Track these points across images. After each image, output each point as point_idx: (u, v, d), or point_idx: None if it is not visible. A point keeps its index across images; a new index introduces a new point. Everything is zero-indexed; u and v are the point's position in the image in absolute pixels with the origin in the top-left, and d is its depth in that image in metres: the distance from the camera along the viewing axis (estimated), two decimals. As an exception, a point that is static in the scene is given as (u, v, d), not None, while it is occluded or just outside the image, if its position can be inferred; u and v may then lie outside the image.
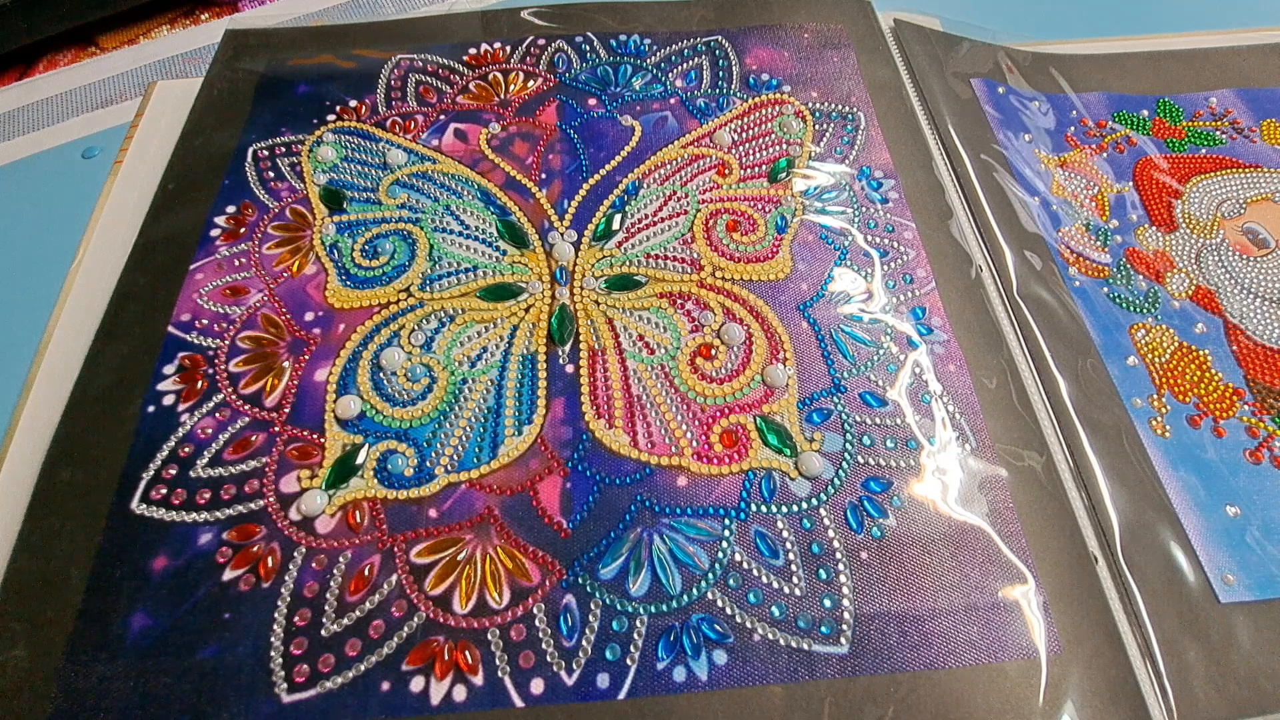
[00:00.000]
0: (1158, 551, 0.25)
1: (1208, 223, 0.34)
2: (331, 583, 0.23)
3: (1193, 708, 0.22)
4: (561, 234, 0.32)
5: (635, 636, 0.23)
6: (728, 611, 0.23)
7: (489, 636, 0.23)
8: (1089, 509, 0.26)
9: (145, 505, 0.25)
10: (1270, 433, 0.28)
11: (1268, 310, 0.31)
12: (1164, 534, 0.25)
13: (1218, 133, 0.37)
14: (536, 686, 0.22)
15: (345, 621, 0.23)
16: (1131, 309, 0.31)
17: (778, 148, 0.35)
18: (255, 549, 0.24)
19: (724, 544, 0.24)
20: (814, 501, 0.25)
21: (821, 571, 0.24)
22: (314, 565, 0.24)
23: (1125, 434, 0.28)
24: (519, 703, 0.22)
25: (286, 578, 0.23)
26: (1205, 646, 0.23)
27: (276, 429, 0.26)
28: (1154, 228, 0.34)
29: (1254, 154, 0.36)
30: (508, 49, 0.38)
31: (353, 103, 0.36)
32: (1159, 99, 0.38)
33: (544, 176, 0.34)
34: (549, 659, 0.22)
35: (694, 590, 0.24)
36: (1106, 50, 0.40)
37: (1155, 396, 0.29)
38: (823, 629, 0.23)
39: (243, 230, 0.31)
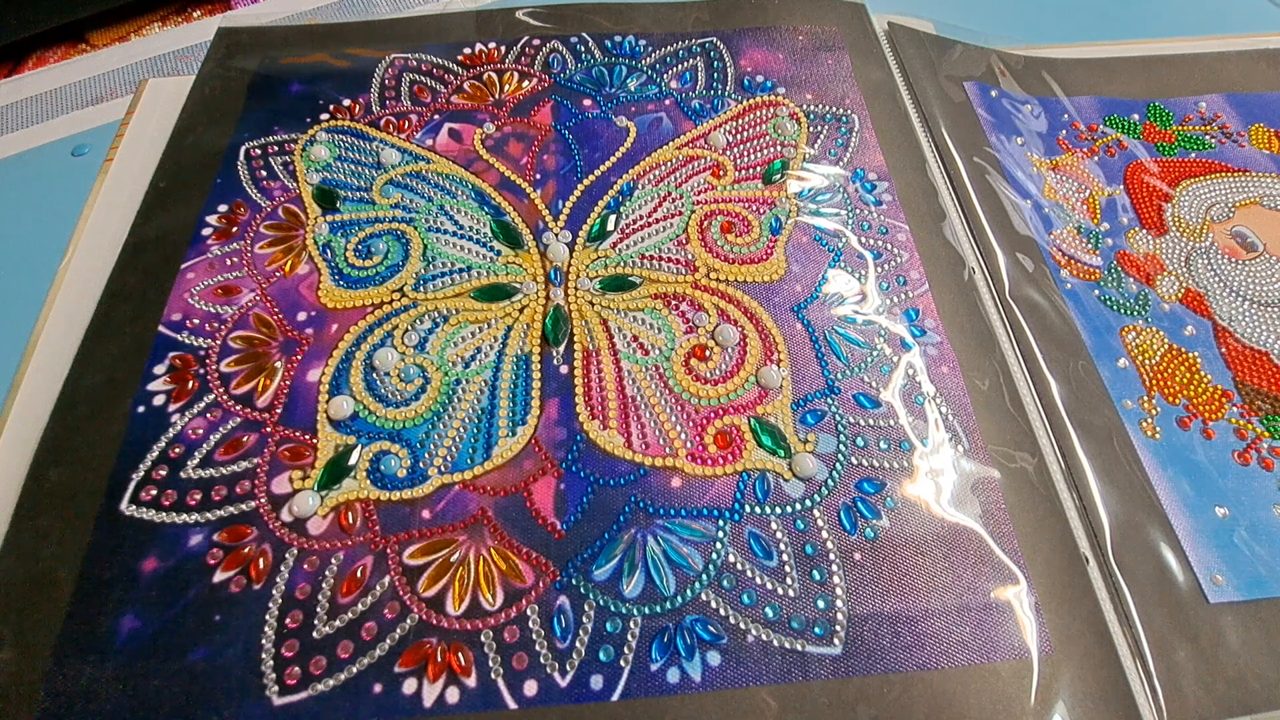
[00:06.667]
0: (1148, 552, 0.25)
1: (1197, 226, 0.34)
2: (323, 584, 0.23)
3: (1182, 707, 0.23)
4: (556, 234, 0.32)
5: (629, 638, 0.23)
6: (721, 613, 0.23)
7: (482, 638, 0.23)
8: (1080, 510, 0.26)
9: (135, 506, 0.24)
10: (1258, 434, 0.28)
11: (1256, 313, 0.31)
12: (1154, 535, 0.26)
13: (1207, 137, 0.37)
14: (530, 688, 0.22)
15: (337, 623, 0.23)
16: (1122, 311, 0.31)
17: (772, 149, 0.35)
18: (246, 550, 0.24)
19: (718, 545, 0.24)
20: (808, 503, 0.25)
21: (815, 573, 0.24)
22: (306, 567, 0.24)
23: (1116, 435, 0.28)
24: (512, 704, 0.22)
25: (278, 579, 0.23)
26: (1195, 646, 0.24)
27: (268, 429, 0.26)
28: (1144, 231, 0.34)
29: (1242, 158, 0.37)
30: (502, 49, 0.38)
31: (346, 102, 0.36)
32: (1149, 103, 0.39)
33: (539, 177, 0.34)
34: (542, 660, 0.22)
35: (688, 591, 0.24)
36: (1098, 55, 0.40)
37: (1145, 398, 0.29)
38: (816, 630, 0.23)
39: (235, 229, 0.31)
